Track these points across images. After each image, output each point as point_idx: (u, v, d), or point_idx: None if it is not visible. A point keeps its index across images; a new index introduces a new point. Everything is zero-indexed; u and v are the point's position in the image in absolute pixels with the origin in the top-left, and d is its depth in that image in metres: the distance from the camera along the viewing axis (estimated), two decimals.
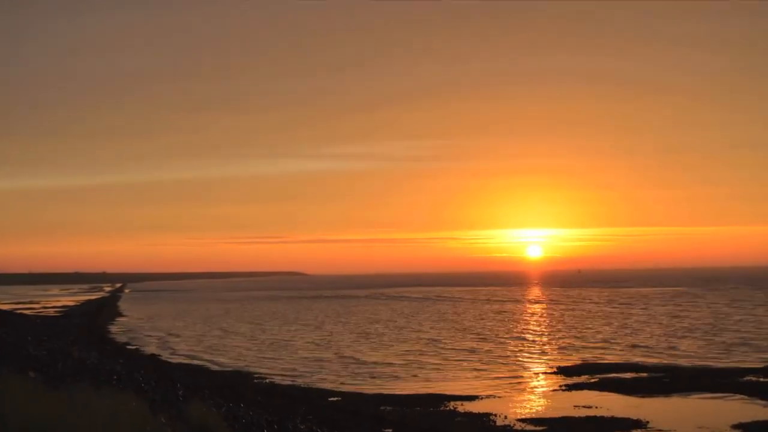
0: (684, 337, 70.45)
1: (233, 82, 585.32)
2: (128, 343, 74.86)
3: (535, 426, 33.30)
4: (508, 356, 59.35)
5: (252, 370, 53.71)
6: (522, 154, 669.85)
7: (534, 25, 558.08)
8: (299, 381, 47.82)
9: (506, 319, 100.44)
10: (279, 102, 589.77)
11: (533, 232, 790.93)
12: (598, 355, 58.18)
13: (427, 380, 47.47)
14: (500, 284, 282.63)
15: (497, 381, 46.65)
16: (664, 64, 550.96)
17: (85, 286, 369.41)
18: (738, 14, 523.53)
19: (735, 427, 32.50)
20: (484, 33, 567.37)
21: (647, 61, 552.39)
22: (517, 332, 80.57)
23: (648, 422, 33.35)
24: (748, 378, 44.82)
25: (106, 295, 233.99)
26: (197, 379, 43.49)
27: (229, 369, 54.62)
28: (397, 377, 49.14)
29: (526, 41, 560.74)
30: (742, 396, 39.44)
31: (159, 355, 63.45)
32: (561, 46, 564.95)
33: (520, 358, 57.96)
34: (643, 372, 48.24)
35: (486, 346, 66.38)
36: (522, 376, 48.57)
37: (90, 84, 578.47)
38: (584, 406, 37.08)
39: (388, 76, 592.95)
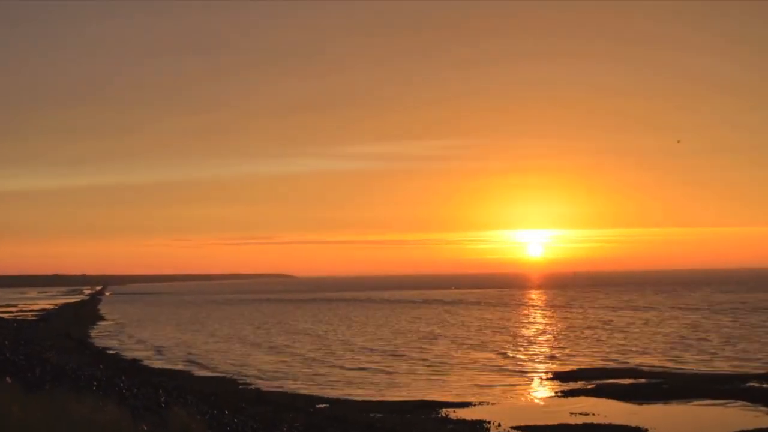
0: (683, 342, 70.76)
1: (220, 83, 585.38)
2: (108, 348, 74.74)
3: None
4: (502, 361, 59.43)
5: (237, 376, 53.69)
6: (520, 154, 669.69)
7: (539, 27, 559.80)
8: (286, 387, 47.83)
9: (500, 324, 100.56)
10: (265, 102, 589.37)
11: (532, 233, 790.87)
12: (595, 361, 58.30)
13: (419, 386, 47.52)
14: (495, 287, 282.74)
15: (490, 387, 46.73)
16: (669, 66, 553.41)
17: (64, 289, 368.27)
18: (750, 15, 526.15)
19: None
20: (485, 33, 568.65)
21: (651, 63, 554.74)
22: (511, 336, 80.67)
23: (647, 430, 33.47)
24: (750, 384, 44.91)
25: (85, 298, 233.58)
26: (180, 386, 43.47)
27: (214, 375, 54.60)
28: (387, 383, 49.16)
29: (529, 42, 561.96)
30: (744, 402, 39.53)
31: (141, 360, 63.38)
32: (563, 48, 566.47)
33: (515, 364, 58.03)
34: (641, 378, 48.33)
35: (479, 351, 66.45)
36: (516, 382, 48.65)
37: (72, 84, 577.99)
38: (581, 413, 37.18)
39: (379, 75, 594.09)
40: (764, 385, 44.17)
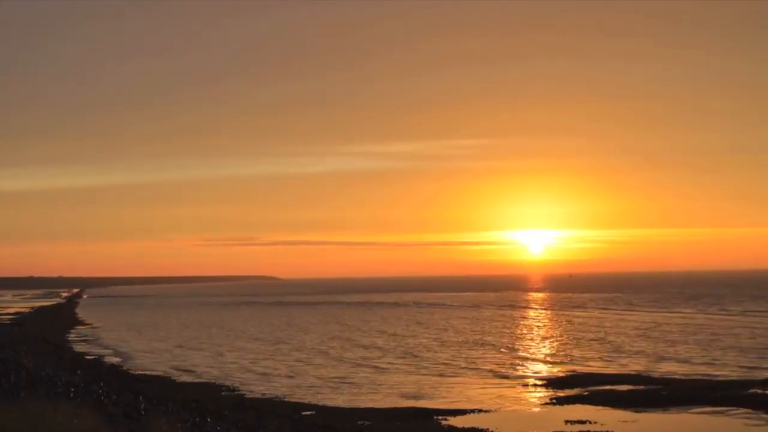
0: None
1: (203, 83, 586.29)
2: (86, 353, 74.68)
3: None
4: (496, 367, 59.51)
5: (220, 381, 53.72)
6: (520, 154, 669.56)
7: (549, 26, 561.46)
8: (270, 393, 47.88)
9: (494, 327, 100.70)
10: (248, 102, 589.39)
11: (534, 233, 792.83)
12: (592, 366, 58.42)
13: (409, 392, 47.58)
14: (490, 290, 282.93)
15: (484, 393, 46.81)
16: (676, 66, 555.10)
17: (40, 292, 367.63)
18: (759, 14, 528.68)
19: None
20: (491, 30, 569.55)
21: (657, 63, 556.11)
22: (505, 341, 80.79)
23: None
24: (753, 390, 45.01)
25: (62, 301, 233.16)
26: (161, 392, 43.49)
27: (196, 380, 54.63)
28: (376, 389, 49.24)
29: (536, 42, 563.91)
30: (746, 410, 39.64)
31: (120, 366, 63.38)
32: (571, 47, 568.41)
33: (509, 369, 58.13)
34: (639, 384, 48.41)
35: (472, 356, 66.55)
36: (510, 389, 48.71)
37: (51, 84, 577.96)
38: (577, 421, 37.28)
39: (371, 75, 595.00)
40: (767, 392, 44.27)
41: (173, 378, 56.32)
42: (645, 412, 39.86)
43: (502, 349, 72.61)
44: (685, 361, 59.94)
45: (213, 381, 54.17)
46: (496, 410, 41.29)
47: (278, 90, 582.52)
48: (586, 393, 45.51)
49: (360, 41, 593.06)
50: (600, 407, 41.10)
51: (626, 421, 37.43)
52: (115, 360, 68.76)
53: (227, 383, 52.75)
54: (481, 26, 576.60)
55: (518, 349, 72.56)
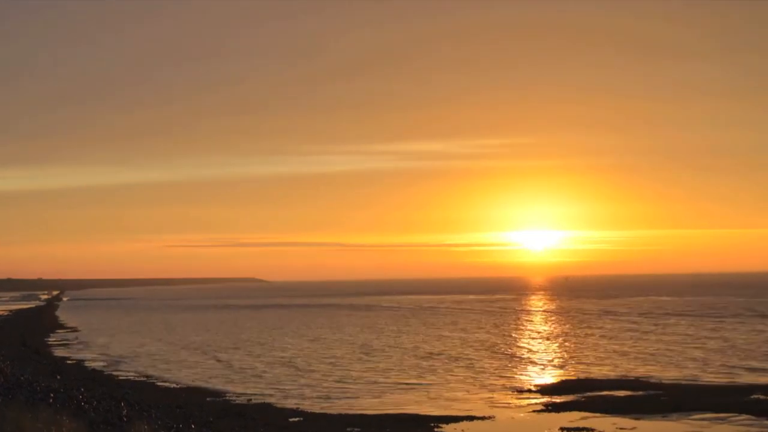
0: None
1: (191, 80, 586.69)
2: (67, 358, 74.51)
3: None
4: (489, 372, 59.46)
5: (205, 387, 53.59)
6: (521, 154, 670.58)
7: (560, 27, 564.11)
8: (256, 400, 47.74)
9: (487, 332, 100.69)
10: (232, 100, 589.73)
11: (533, 234, 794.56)
12: (589, 371, 58.40)
13: (400, 398, 47.50)
14: (486, 292, 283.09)
15: (477, 400, 46.73)
16: (685, 65, 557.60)
17: (18, 294, 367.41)
18: None
19: None
20: (497, 31, 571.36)
21: (666, 63, 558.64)
22: (499, 345, 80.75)
23: None
24: (756, 396, 44.99)
25: (42, 304, 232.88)
26: (144, 398, 43.39)
27: (180, 386, 54.47)
28: (366, 395, 49.13)
29: (543, 42, 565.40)
30: (748, 416, 39.63)
31: (102, 371, 63.21)
32: (580, 46, 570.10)
33: (503, 374, 58.07)
34: (638, 390, 48.35)
35: (465, 361, 66.49)
36: (504, 395, 48.63)
37: (25, 81, 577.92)
38: (573, 428, 37.23)
39: (366, 75, 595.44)
40: None
41: (157, 383, 56.16)
42: (643, 418, 39.79)
43: (496, 354, 72.53)
44: (684, 366, 59.97)
45: (198, 386, 54.05)
46: (489, 417, 41.18)
47: (266, 88, 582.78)
48: (582, 399, 45.45)
49: (352, 42, 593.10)
50: (597, 414, 41.04)
51: (624, 428, 37.39)
52: (96, 364, 68.56)
53: (213, 389, 52.65)
54: (488, 26, 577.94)
55: (512, 354, 72.49)
